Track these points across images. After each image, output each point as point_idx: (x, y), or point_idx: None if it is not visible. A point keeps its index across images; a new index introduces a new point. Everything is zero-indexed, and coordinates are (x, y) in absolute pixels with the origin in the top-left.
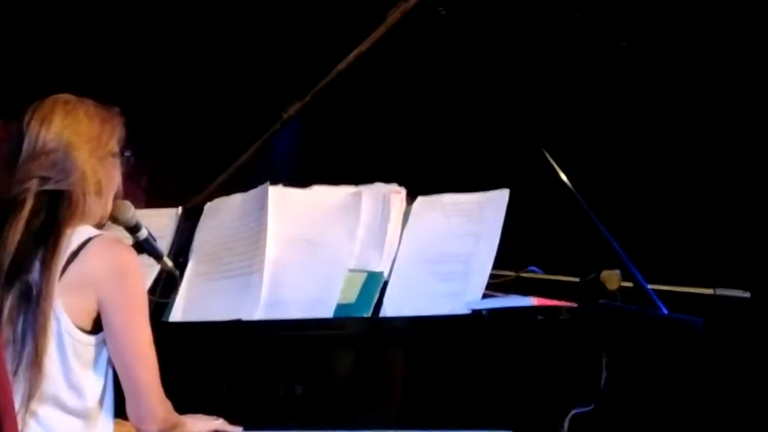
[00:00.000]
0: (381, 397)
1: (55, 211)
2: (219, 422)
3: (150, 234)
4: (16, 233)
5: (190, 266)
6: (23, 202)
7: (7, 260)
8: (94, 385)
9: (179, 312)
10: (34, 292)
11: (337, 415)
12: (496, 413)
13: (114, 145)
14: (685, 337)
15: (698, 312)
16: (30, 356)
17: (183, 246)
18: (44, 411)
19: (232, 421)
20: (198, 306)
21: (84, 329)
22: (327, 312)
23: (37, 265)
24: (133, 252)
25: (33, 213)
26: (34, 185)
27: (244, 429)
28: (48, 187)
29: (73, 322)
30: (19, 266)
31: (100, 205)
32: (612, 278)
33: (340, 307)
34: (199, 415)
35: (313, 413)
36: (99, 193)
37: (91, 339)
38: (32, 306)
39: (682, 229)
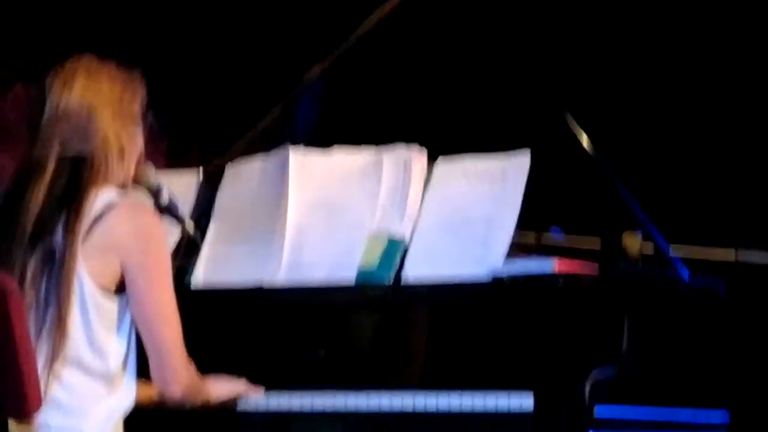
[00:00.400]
0: (402, 361)
1: (78, 175)
2: (242, 384)
3: (172, 197)
4: (38, 197)
5: (212, 230)
6: (45, 166)
7: (29, 224)
8: (117, 347)
9: (200, 276)
10: (58, 255)
11: (358, 379)
12: (517, 376)
13: (136, 108)
14: (706, 300)
15: (719, 273)
16: (53, 319)
17: (204, 209)
18: (67, 373)
19: (254, 383)
20: (219, 270)
21: (107, 292)
22: (348, 276)
23: (60, 229)
24: (157, 216)
25: (55, 177)
26: (56, 149)
27: (266, 391)
28: (70, 150)
29: (96, 285)
30: (43, 229)
31: (123, 168)
32: (633, 242)
33: (361, 271)
34: (224, 377)
35: (334, 376)
36: (121, 156)
37: (114, 302)
38: (55, 269)
39: (704, 189)
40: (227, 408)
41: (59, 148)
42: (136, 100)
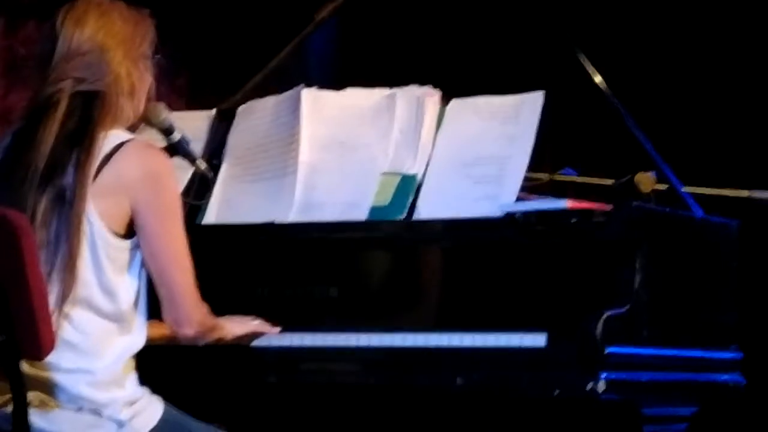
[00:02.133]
0: (415, 300)
1: (89, 113)
2: (257, 323)
3: (184, 136)
4: (50, 134)
5: (224, 168)
6: (57, 102)
7: (41, 162)
8: (127, 288)
9: (213, 214)
10: (68, 194)
11: (371, 317)
12: (529, 315)
13: (146, 48)
14: (720, 239)
15: (734, 214)
16: (64, 259)
17: (217, 148)
18: (78, 314)
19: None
20: (232, 208)
21: (117, 233)
22: (361, 214)
23: (70, 168)
24: (167, 156)
25: (67, 114)
26: (68, 86)
27: (281, 331)
28: (82, 87)
29: (107, 226)
30: (54, 169)
31: (133, 107)
32: (646, 180)
33: (374, 209)
34: (237, 317)
35: (347, 315)
36: (132, 94)
37: (125, 243)
38: (66, 208)
39: (718, 131)
40: (241, 345)
41: (71, 85)
42: (146, 40)
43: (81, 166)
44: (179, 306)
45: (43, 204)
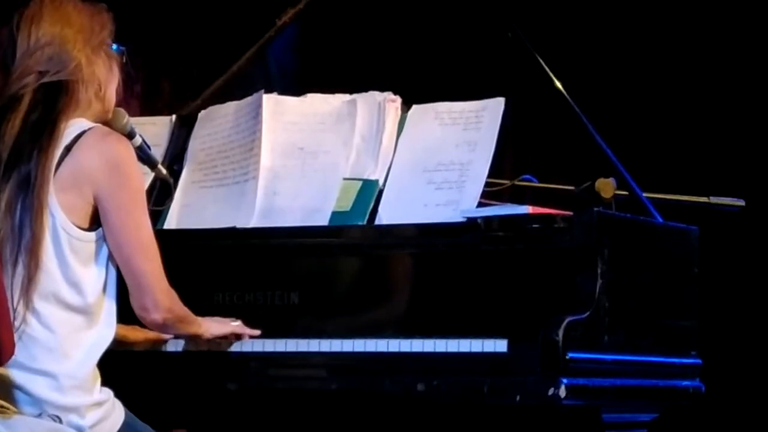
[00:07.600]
0: (376, 306)
1: (53, 103)
2: (237, 324)
3: (144, 141)
4: (14, 127)
5: (185, 174)
6: (22, 97)
7: (5, 153)
8: (94, 281)
9: (174, 220)
10: (31, 179)
11: (333, 323)
12: (491, 321)
13: (106, 37)
14: (680, 245)
15: (693, 221)
16: (28, 243)
17: (177, 154)
18: (45, 308)
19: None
20: (193, 213)
21: (81, 226)
22: (322, 220)
23: (34, 155)
24: (127, 142)
25: (31, 107)
26: (32, 80)
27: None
28: (46, 79)
29: (70, 219)
30: (17, 157)
31: (98, 98)
32: (607, 186)
33: (335, 215)
34: (217, 318)
35: (308, 321)
36: (95, 84)
37: (90, 235)
38: (29, 194)
39: (677, 138)
40: (200, 351)
41: (35, 79)
42: (105, 29)
43: (43, 152)
44: (146, 292)
45: (7, 193)
